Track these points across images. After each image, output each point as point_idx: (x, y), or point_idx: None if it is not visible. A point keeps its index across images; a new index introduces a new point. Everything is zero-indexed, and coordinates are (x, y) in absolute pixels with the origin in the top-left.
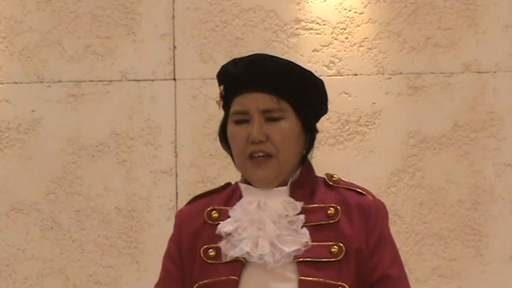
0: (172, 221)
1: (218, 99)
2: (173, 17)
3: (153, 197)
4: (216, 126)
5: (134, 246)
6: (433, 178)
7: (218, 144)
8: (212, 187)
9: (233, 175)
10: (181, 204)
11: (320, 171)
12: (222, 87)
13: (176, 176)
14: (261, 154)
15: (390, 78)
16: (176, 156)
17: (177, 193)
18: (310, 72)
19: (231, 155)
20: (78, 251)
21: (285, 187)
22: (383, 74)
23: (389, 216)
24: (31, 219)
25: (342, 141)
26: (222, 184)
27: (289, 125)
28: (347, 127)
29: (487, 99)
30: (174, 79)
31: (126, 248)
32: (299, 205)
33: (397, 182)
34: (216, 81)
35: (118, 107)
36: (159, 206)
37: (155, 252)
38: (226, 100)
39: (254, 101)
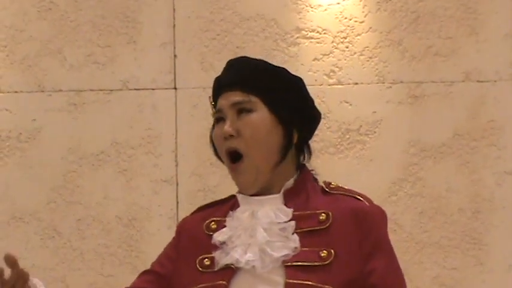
0: (173, 230)
1: (211, 108)
2: (174, 25)
3: (154, 206)
4: None
5: (135, 255)
6: (434, 187)
7: None
8: (213, 196)
9: (234, 184)
10: (182, 213)
11: (320, 180)
12: (210, 97)
13: (177, 184)
14: (233, 148)
15: (391, 87)
16: (177, 165)
17: (177, 202)
18: (284, 68)
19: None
20: (79, 259)
21: (277, 195)
22: (383, 82)
23: (390, 225)
24: (31, 228)
25: (343, 150)
26: (228, 196)
27: (259, 116)
28: (347, 136)
29: (487, 108)
30: (175, 88)
31: (126, 257)
32: (290, 212)
33: (397, 191)
34: None
35: (119, 116)
36: (159, 215)
37: None
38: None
39: (226, 98)
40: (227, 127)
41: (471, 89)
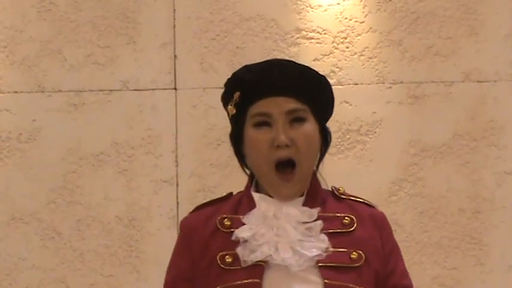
0: (173, 230)
1: (231, 106)
2: (174, 26)
3: (154, 206)
4: (216, 135)
5: (135, 255)
6: (434, 187)
7: (219, 153)
8: (213, 196)
9: (234, 184)
10: (182, 213)
11: (321, 180)
12: (237, 94)
13: (177, 185)
14: (288, 157)
15: (391, 87)
16: (177, 165)
17: (177, 202)
18: (325, 77)
19: (241, 162)
20: (79, 260)
21: (300, 198)
22: (383, 83)
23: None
24: (31, 229)
25: (343, 151)
26: (224, 194)
27: (312, 127)
28: (348, 136)
29: (487, 108)
30: (175, 88)
31: (126, 257)
32: (315, 212)
33: (397, 191)
34: (217, 91)
35: (118, 117)
36: (159, 215)
37: (156, 262)
38: (239, 108)
39: (277, 104)
40: (283, 137)
41: (471, 89)
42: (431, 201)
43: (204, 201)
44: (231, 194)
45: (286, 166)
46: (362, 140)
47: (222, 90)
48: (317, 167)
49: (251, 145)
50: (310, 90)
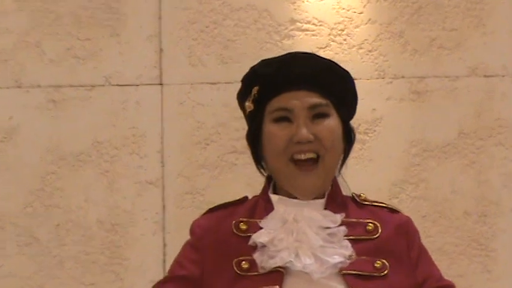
0: (159, 236)
1: (248, 103)
2: (160, 17)
3: (138, 209)
4: (205, 134)
5: (118, 262)
6: (437, 189)
7: (207, 153)
8: (201, 199)
9: (223, 186)
10: (169, 217)
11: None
12: (256, 89)
13: (163, 187)
14: (308, 156)
15: (391, 82)
16: (163, 166)
17: (163, 205)
18: (348, 72)
19: (256, 160)
20: (58, 267)
21: (321, 200)
22: (384, 78)
23: None
24: (7, 234)
25: None
26: (239, 198)
27: (335, 122)
28: None
29: (494, 104)
30: (161, 84)
31: (108, 265)
32: (339, 217)
33: (398, 193)
34: (206, 86)
35: (101, 114)
36: (144, 219)
37: (140, 269)
38: (258, 104)
39: (299, 99)
40: (305, 132)
41: (477, 84)
42: (434, 204)
43: (216, 204)
44: (246, 197)
45: (306, 162)
46: (361, 139)
47: (239, 87)
48: (339, 169)
49: (269, 138)
50: (334, 85)
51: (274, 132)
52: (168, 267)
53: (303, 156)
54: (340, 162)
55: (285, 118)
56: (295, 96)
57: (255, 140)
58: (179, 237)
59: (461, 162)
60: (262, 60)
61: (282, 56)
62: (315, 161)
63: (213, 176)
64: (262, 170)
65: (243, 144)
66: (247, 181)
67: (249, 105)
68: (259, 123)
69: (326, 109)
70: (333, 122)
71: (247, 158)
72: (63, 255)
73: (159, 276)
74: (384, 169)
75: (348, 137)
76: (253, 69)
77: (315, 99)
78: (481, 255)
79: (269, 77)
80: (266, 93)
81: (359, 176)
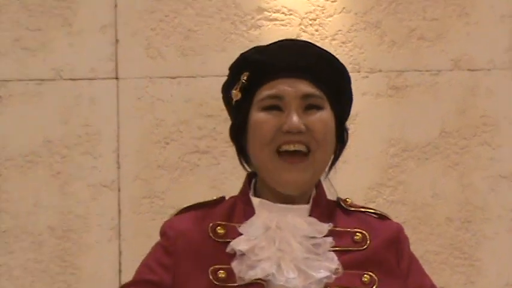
0: (115, 242)
1: (235, 91)
2: (115, 5)
3: (92, 214)
4: (165, 132)
5: (70, 271)
6: (417, 192)
7: (167, 153)
8: (160, 203)
9: (184, 189)
10: (125, 223)
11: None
12: (246, 74)
13: (119, 190)
14: (297, 148)
15: (367, 76)
16: (118, 167)
17: (119, 210)
18: (345, 66)
19: (239, 153)
20: (5, 277)
21: (306, 205)
22: (359, 71)
23: None
24: None
25: None
26: (215, 198)
27: (328, 115)
28: None
29: (479, 101)
30: (117, 78)
31: (60, 274)
32: (326, 227)
33: (375, 197)
34: (165, 80)
35: (51, 110)
36: (98, 225)
37: (94, 278)
38: (246, 92)
39: (291, 86)
40: (297, 121)
41: (461, 78)
42: (414, 209)
43: (189, 204)
44: (223, 198)
45: (293, 154)
46: None
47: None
48: (328, 171)
49: (254, 131)
50: (330, 77)
51: (261, 120)
52: (124, 276)
53: (291, 147)
54: (329, 163)
55: (275, 107)
56: (288, 84)
57: (239, 133)
58: (136, 245)
59: (443, 163)
60: (254, 47)
61: (276, 42)
62: (304, 154)
63: (173, 178)
64: (246, 165)
65: (205, 143)
66: (211, 183)
67: (236, 93)
68: (245, 114)
69: (320, 101)
70: (326, 116)
71: (210, 158)
72: (10, 264)
73: (115, 286)
74: (359, 171)
75: (341, 137)
76: (244, 56)
77: (309, 88)
78: (464, 264)
79: (261, 63)
80: (256, 80)
81: (332, 179)
